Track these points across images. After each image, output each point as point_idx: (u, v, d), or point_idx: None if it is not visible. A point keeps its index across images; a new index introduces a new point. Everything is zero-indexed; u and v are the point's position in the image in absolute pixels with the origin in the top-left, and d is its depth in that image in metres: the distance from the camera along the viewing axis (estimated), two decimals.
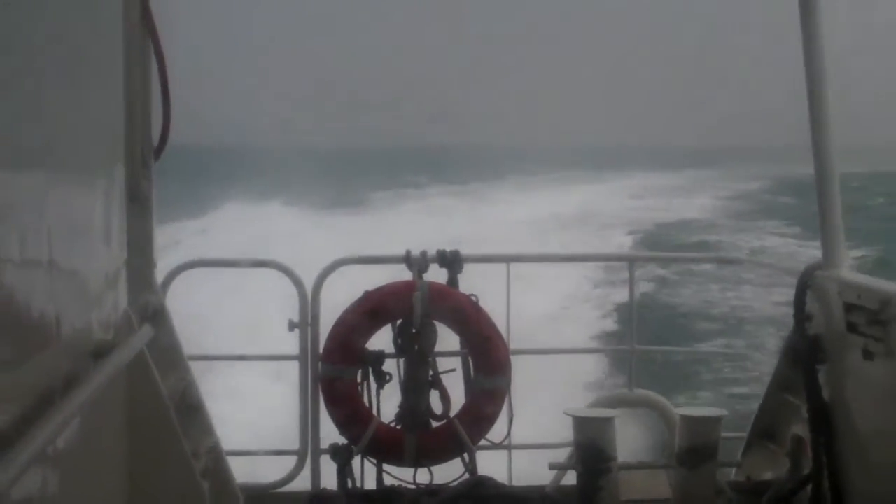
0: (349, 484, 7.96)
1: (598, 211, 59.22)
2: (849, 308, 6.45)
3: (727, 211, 65.23)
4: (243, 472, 7.44)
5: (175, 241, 33.19)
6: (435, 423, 8.15)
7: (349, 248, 10.99)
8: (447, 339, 8.25)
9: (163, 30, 6.02)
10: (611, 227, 51.00)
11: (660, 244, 45.66)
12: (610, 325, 25.17)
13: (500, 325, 8.16)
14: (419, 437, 8.04)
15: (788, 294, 7.23)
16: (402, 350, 8.13)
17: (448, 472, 8.07)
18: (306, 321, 8.10)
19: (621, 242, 45.91)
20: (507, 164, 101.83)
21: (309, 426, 8.14)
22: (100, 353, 4.43)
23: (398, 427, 8.12)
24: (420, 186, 76.05)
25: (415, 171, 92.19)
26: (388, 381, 8.13)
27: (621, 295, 25.12)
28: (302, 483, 8.09)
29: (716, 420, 7.72)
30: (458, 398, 8.21)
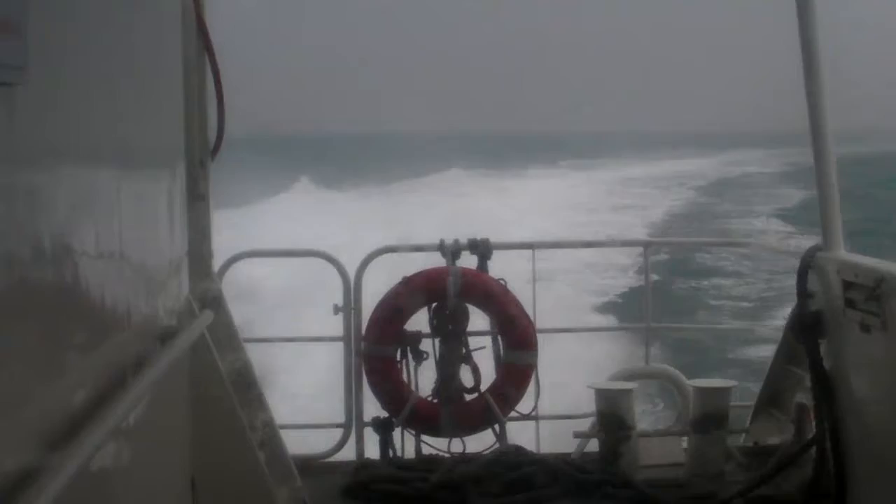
0: (391, 453, 8.02)
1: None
2: (847, 286, 6.46)
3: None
4: (294, 444, 7.49)
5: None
6: (468, 397, 8.20)
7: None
8: (478, 319, 8.30)
9: (217, 41, 6.10)
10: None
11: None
12: (628, 304, 25.11)
13: (527, 305, 8.21)
14: (454, 410, 8.08)
15: (792, 274, 7.24)
16: (437, 330, 8.19)
17: (480, 442, 8.11)
18: (350, 305, 8.16)
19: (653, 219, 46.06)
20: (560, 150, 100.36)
21: (353, 401, 8.19)
22: (165, 336, 4.49)
23: (434, 401, 8.16)
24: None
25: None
26: (425, 359, 8.18)
27: (638, 276, 25.14)
28: (347, 453, 8.14)
29: (726, 390, 7.74)
30: (488, 373, 8.26)
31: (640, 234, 39.84)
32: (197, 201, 6.06)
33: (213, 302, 6.31)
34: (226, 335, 6.45)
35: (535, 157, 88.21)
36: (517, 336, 8.10)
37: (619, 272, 29.34)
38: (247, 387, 6.70)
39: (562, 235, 33.92)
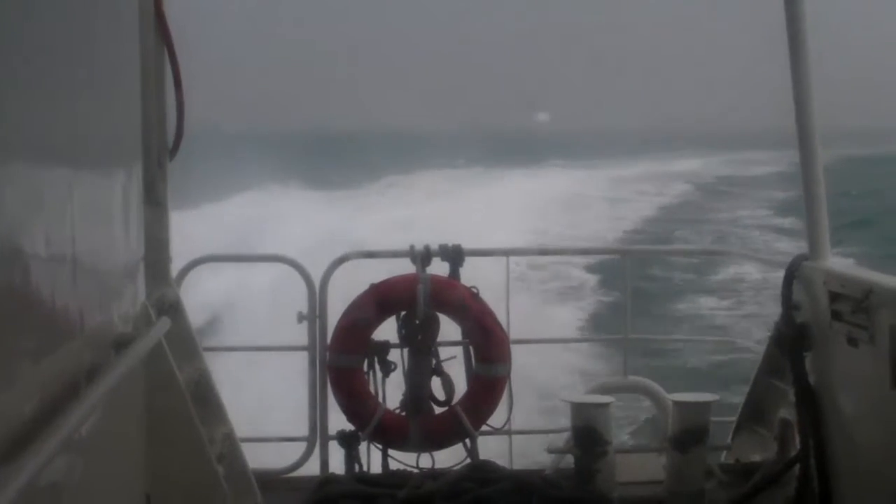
0: (356, 468, 8.01)
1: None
2: (834, 297, 6.49)
3: None
4: (255, 458, 7.48)
5: None
6: (437, 410, 8.20)
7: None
8: (449, 329, 8.30)
9: (178, 36, 6.08)
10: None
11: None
12: (604, 314, 25.18)
13: (500, 315, 8.21)
14: (423, 424, 8.09)
15: (776, 284, 7.27)
16: (406, 340, 8.18)
17: (450, 457, 8.10)
18: (314, 313, 8.14)
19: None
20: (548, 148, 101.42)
21: (318, 414, 8.18)
22: (120, 344, 4.47)
23: (402, 414, 8.15)
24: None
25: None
26: (393, 370, 8.17)
27: (615, 285, 25.23)
28: (311, 468, 8.12)
29: (706, 405, 7.75)
30: (459, 386, 8.26)
31: (628, 226, 40.32)
32: (154, 203, 6.05)
33: (170, 308, 6.29)
34: (184, 343, 6.44)
35: (526, 156, 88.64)
36: (489, 347, 8.10)
37: (596, 280, 29.47)
38: (205, 398, 6.69)
39: (544, 236, 34.25)
